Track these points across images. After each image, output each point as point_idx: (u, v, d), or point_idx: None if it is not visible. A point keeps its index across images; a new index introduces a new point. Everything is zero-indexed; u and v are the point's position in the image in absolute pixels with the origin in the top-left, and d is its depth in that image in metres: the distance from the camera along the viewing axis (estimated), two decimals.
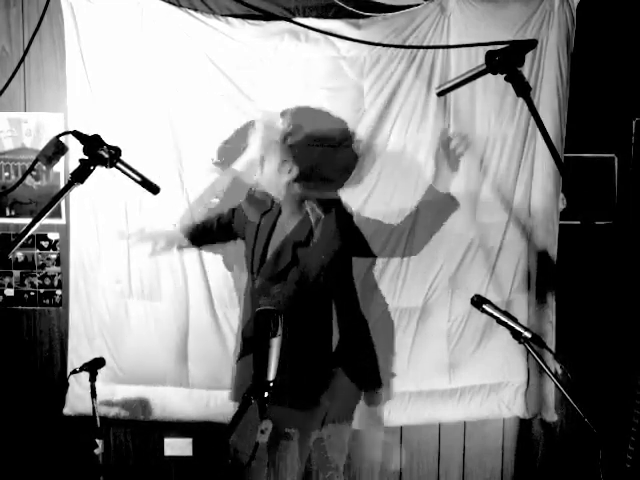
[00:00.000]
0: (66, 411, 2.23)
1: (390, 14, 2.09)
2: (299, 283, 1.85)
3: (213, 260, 2.16)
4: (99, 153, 1.29)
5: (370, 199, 2.12)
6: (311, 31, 2.04)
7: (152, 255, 2.13)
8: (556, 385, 1.49)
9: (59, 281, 2.30)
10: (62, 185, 2.20)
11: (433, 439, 2.40)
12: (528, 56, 1.43)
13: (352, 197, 2.09)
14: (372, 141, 2.11)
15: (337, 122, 2.09)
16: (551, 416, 2.26)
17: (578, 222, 2.29)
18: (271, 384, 1.16)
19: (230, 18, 2.09)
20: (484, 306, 1.62)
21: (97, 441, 1.89)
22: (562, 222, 2.20)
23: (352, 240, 1.96)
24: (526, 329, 1.53)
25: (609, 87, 2.24)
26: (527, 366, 2.27)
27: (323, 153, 2.04)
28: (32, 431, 2.34)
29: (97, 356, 1.99)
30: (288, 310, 1.72)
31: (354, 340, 1.94)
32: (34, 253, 2.29)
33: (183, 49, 2.08)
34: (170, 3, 2.09)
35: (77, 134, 1.31)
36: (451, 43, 2.07)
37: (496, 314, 1.59)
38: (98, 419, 1.89)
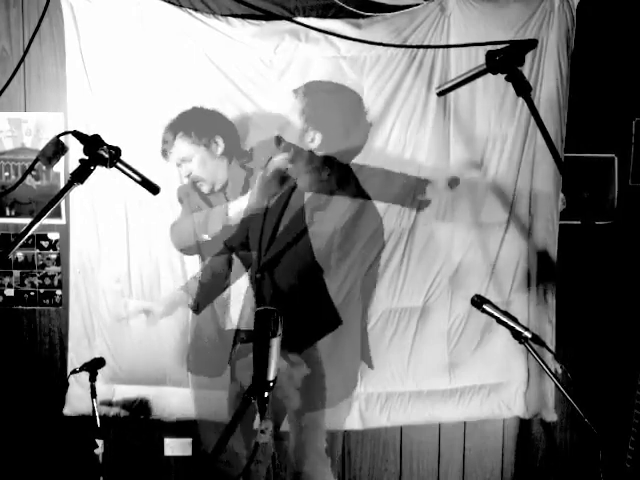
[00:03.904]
0: (66, 411, 2.23)
1: (390, 14, 2.09)
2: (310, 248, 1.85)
3: None
4: (99, 153, 1.29)
5: None
6: (311, 31, 2.04)
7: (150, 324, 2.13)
8: (556, 385, 1.49)
9: (59, 281, 2.30)
10: (62, 185, 2.20)
11: (433, 439, 2.40)
12: (528, 56, 1.43)
13: None
14: (374, 137, 2.10)
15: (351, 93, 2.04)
16: (551, 416, 2.26)
17: (578, 222, 2.29)
18: (271, 384, 1.16)
19: (230, 18, 2.09)
20: (484, 306, 1.62)
21: (97, 441, 1.89)
22: (562, 222, 2.20)
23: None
24: (526, 329, 1.53)
25: (609, 87, 2.24)
26: (527, 366, 2.27)
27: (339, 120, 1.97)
28: (32, 431, 2.34)
29: (97, 356, 1.98)
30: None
31: None
32: (34, 253, 2.29)
33: (183, 49, 2.08)
34: (170, 3, 2.09)
35: (77, 134, 1.31)
36: (451, 43, 2.07)
37: (496, 314, 1.59)
38: (98, 419, 1.89)
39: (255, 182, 1.87)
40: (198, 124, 1.97)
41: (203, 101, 2.05)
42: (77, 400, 2.20)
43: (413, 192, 2.12)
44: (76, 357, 2.19)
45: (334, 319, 1.97)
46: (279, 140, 1.89)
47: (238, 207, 1.91)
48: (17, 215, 2.27)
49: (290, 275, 1.88)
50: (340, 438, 2.24)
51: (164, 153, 1.98)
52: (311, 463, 1.90)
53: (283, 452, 2.21)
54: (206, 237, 1.94)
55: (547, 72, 2.10)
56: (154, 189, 1.42)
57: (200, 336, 2.07)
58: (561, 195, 2.18)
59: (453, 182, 2.09)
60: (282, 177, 1.87)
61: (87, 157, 1.29)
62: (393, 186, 2.10)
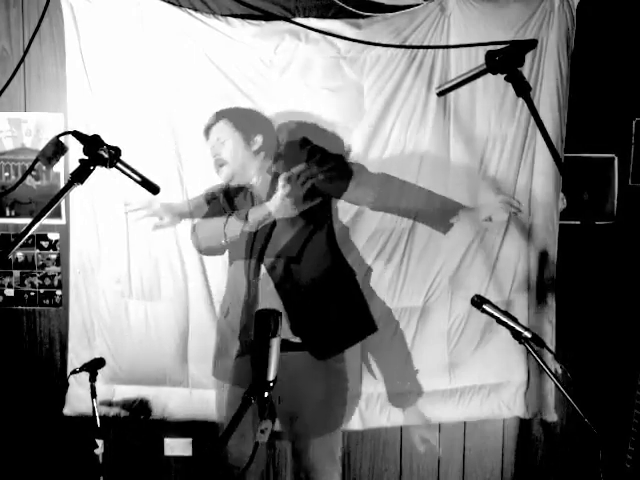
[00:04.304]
0: (66, 411, 2.23)
1: (390, 14, 2.09)
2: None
3: (213, 260, 2.16)
4: (99, 153, 1.29)
5: None
6: (311, 31, 2.04)
7: (155, 229, 2.08)
8: (556, 385, 1.49)
9: (59, 281, 2.30)
10: (62, 185, 2.20)
11: (433, 439, 2.40)
12: (528, 56, 1.43)
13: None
14: (371, 142, 2.11)
15: (333, 138, 2.10)
16: (551, 416, 2.26)
17: (578, 222, 2.29)
18: (271, 384, 1.16)
19: (230, 18, 2.09)
20: (484, 306, 1.62)
21: (97, 441, 1.89)
22: (562, 222, 2.20)
23: None
24: (526, 329, 1.53)
25: (609, 87, 2.24)
26: (527, 366, 2.27)
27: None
28: (32, 431, 2.34)
29: (97, 356, 1.99)
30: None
31: None
32: (34, 253, 2.29)
33: (183, 49, 2.08)
34: (170, 3, 2.09)
35: (77, 134, 1.31)
36: (451, 43, 2.07)
37: (496, 314, 1.59)
38: (98, 419, 1.89)
39: (278, 191, 1.81)
40: (245, 118, 1.98)
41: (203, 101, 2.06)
42: (77, 400, 2.20)
43: (448, 215, 2.10)
44: (76, 357, 2.19)
45: (369, 325, 2.01)
46: (305, 142, 1.93)
47: (258, 213, 1.86)
48: (17, 215, 2.27)
49: (315, 274, 1.87)
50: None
51: (207, 130, 1.96)
52: (327, 472, 1.89)
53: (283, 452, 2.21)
54: (223, 242, 1.91)
55: (547, 72, 2.10)
56: (154, 189, 1.42)
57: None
58: (561, 195, 2.18)
59: (489, 219, 2.13)
60: (308, 191, 1.84)
61: (87, 157, 1.29)
62: (432, 206, 2.11)
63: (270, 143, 1.98)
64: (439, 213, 2.11)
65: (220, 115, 1.95)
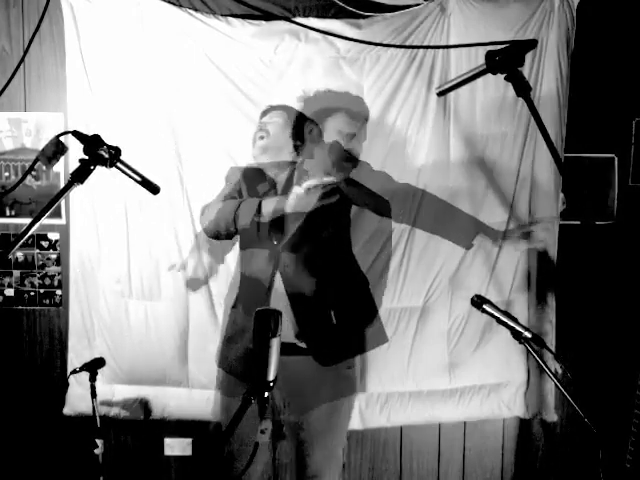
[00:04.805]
0: (66, 411, 2.23)
1: (390, 14, 2.09)
2: None
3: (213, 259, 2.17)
4: (99, 153, 1.28)
5: None
6: (311, 31, 2.04)
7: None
8: (556, 385, 1.48)
9: (59, 281, 2.30)
10: (62, 185, 2.20)
11: (433, 439, 2.40)
12: (528, 56, 1.44)
13: None
14: (374, 137, 2.10)
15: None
16: (551, 416, 2.26)
17: (578, 222, 2.29)
18: (271, 384, 1.16)
19: (230, 18, 2.09)
20: (484, 306, 1.62)
21: (97, 441, 1.89)
22: (562, 222, 2.20)
23: None
24: (526, 329, 1.53)
25: (609, 87, 2.24)
26: (527, 366, 2.27)
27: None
28: (32, 431, 2.34)
29: (97, 356, 1.99)
30: None
31: None
32: (34, 253, 2.29)
33: (183, 49, 2.08)
34: (170, 3, 2.09)
35: (77, 134, 1.31)
36: (451, 43, 2.07)
37: (496, 314, 1.59)
38: (98, 419, 1.89)
39: (296, 188, 1.70)
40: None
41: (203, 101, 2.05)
42: (77, 400, 2.20)
43: (470, 234, 2.07)
44: (76, 357, 2.19)
45: (381, 336, 2.00)
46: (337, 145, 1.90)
47: (270, 206, 1.73)
48: (17, 215, 2.27)
49: (328, 281, 1.80)
50: None
51: (264, 112, 1.92)
52: (330, 476, 1.86)
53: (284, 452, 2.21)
54: (232, 229, 1.79)
55: (547, 72, 2.10)
56: (154, 189, 1.42)
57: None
58: (561, 195, 2.18)
59: (526, 235, 2.12)
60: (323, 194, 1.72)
61: (87, 157, 1.29)
62: (455, 223, 2.09)
63: (308, 146, 1.91)
64: (461, 230, 2.08)
65: (281, 107, 1.91)
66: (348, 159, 1.94)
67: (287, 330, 1.69)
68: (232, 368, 1.82)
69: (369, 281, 1.96)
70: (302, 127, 1.89)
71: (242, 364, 1.76)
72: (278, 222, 1.73)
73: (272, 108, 1.92)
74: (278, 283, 1.75)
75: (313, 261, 1.77)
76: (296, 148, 1.86)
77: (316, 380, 1.76)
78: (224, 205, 1.81)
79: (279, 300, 1.72)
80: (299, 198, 1.67)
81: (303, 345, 1.74)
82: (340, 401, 1.81)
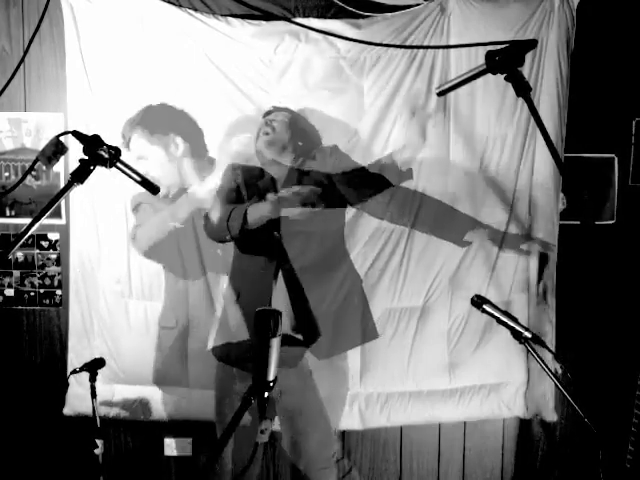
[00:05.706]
0: (66, 411, 2.23)
1: (390, 14, 2.09)
2: None
3: (213, 259, 2.16)
4: (99, 153, 1.29)
5: None
6: (311, 31, 2.04)
7: None
8: (556, 385, 1.49)
9: (59, 281, 2.30)
10: (62, 185, 2.20)
11: (433, 439, 2.40)
12: (528, 56, 1.43)
13: None
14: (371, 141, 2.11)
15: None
16: (551, 416, 2.26)
17: (578, 222, 2.29)
18: (271, 384, 1.16)
19: (230, 18, 2.09)
20: (484, 306, 1.62)
21: (97, 441, 1.89)
22: (562, 222, 2.20)
23: None
24: (526, 329, 1.53)
25: (609, 87, 2.23)
26: (527, 366, 2.27)
27: None
28: (32, 431, 2.34)
29: (97, 356, 1.98)
30: None
31: None
32: (34, 253, 2.29)
33: (183, 49, 2.08)
34: (170, 3, 2.09)
35: (77, 134, 1.31)
36: (451, 43, 2.07)
37: (496, 314, 1.59)
38: (98, 419, 1.89)
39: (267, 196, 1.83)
40: (157, 122, 1.96)
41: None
42: (77, 400, 2.20)
43: (463, 231, 2.16)
44: (76, 357, 2.19)
45: (371, 331, 2.09)
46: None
47: (206, 188, 1.87)
48: (17, 215, 2.27)
49: (324, 277, 1.93)
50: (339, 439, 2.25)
51: (268, 112, 1.99)
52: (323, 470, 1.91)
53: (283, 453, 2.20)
54: (178, 225, 1.90)
55: (547, 72, 2.10)
56: (154, 189, 1.42)
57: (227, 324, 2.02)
58: (561, 195, 2.18)
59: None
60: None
61: (87, 157, 1.29)
62: (453, 224, 2.14)
63: (196, 143, 2.03)
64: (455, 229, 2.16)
65: (131, 126, 1.96)
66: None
67: (284, 322, 1.77)
68: (225, 356, 1.94)
69: (362, 279, 2.08)
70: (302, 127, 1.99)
71: (236, 350, 1.89)
72: (269, 226, 1.82)
73: (276, 109, 1.99)
74: (279, 279, 1.85)
75: (312, 260, 1.86)
76: (296, 148, 1.94)
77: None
78: (222, 212, 1.85)
79: (279, 293, 1.82)
80: (275, 206, 1.76)
81: (299, 337, 1.86)
82: (334, 392, 2.00)
